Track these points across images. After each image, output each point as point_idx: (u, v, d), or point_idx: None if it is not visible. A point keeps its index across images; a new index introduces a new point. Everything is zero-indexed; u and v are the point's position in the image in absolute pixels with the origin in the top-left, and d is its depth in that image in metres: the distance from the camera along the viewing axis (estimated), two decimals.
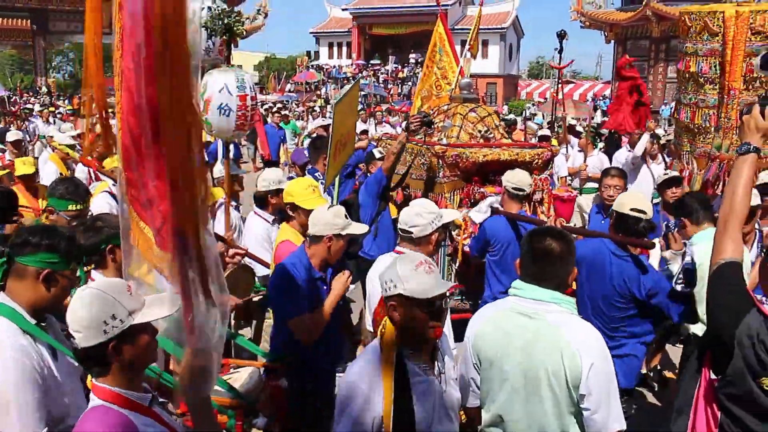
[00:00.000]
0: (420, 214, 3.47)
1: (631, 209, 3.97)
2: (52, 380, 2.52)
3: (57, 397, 2.51)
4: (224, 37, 5.02)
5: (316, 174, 5.38)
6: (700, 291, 4.09)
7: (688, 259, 4.04)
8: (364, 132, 10.98)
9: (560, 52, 11.71)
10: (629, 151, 8.94)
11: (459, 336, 3.47)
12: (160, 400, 2.24)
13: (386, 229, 5.96)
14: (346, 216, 3.72)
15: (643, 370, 5.12)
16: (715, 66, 5.57)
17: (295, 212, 4.33)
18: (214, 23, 4.91)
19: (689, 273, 3.98)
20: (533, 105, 34.48)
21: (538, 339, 2.56)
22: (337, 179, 4.40)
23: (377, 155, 7.11)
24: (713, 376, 2.41)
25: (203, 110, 4.95)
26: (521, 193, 5.09)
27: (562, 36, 11.55)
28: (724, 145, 5.51)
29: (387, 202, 6.21)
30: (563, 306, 2.61)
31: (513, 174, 5.17)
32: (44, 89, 37.59)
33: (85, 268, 3.97)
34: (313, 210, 3.85)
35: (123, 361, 2.06)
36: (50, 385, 2.49)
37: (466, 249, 5.68)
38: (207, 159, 8.70)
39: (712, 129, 5.71)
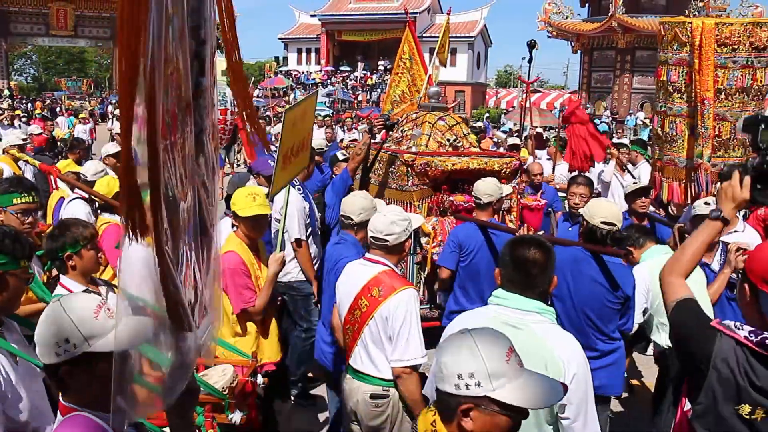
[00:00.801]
0: (395, 222, 3.44)
1: (602, 222, 3.99)
2: (10, 387, 2.45)
3: (15, 404, 2.44)
4: None
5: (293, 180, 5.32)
6: (656, 305, 4.18)
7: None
8: (354, 140, 10.99)
9: (530, 61, 11.70)
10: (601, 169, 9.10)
11: (426, 344, 3.46)
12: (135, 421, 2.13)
13: None
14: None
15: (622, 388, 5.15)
16: (683, 75, 5.65)
17: (236, 221, 4.20)
18: None
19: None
20: (504, 114, 34.81)
21: (521, 350, 2.52)
22: (285, 190, 4.29)
23: (341, 157, 7.12)
24: (687, 407, 2.40)
25: None
26: (490, 200, 5.08)
27: (532, 46, 11.57)
28: (706, 155, 5.60)
29: None
30: (545, 316, 2.61)
31: (481, 183, 5.17)
32: (6, 92, 36.82)
33: (49, 273, 3.91)
34: (251, 217, 4.04)
35: (78, 385, 1.91)
36: (7, 393, 2.42)
37: (436, 258, 5.67)
38: None
39: (679, 138, 5.78)
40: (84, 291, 3.36)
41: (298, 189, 5.33)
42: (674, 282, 2.47)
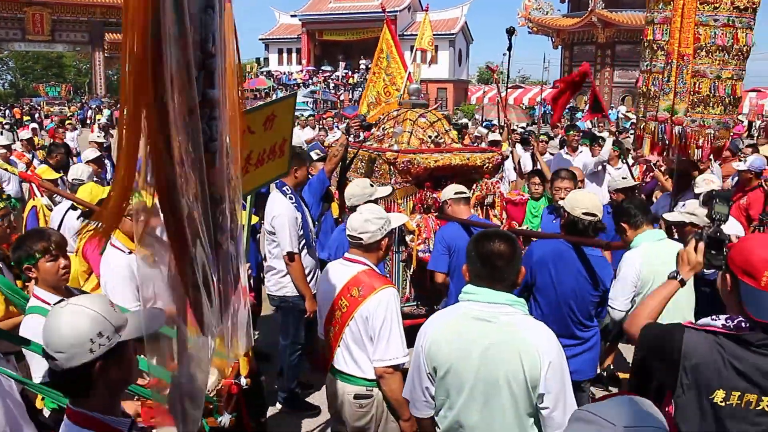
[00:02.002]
0: (369, 221, 3.41)
1: (583, 213, 4.00)
2: None
3: None
4: None
5: (284, 188, 5.14)
6: (645, 291, 4.17)
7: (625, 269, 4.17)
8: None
9: (509, 49, 11.62)
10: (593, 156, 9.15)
11: (412, 342, 3.45)
12: (140, 426, 2.13)
13: (329, 229, 5.93)
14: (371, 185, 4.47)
15: (597, 370, 5.17)
16: (666, 33, 5.73)
17: None
18: None
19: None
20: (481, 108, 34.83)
21: (496, 343, 2.54)
22: (249, 197, 4.12)
23: (315, 157, 7.09)
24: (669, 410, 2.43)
25: None
26: (465, 195, 5.08)
27: (511, 32, 11.55)
28: (681, 110, 5.67)
29: (329, 203, 6.19)
30: (516, 307, 2.62)
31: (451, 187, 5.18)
32: None
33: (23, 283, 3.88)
34: None
35: (108, 381, 1.96)
36: None
37: (421, 255, 5.66)
38: None
39: (660, 93, 5.86)
40: (59, 302, 3.31)
41: (290, 198, 5.11)
42: (638, 326, 2.63)
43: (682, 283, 2.71)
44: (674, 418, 2.36)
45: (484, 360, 2.55)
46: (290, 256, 5.03)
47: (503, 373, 2.52)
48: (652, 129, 5.93)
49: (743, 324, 2.25)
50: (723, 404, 2.22)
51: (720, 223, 2.61)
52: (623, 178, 6.17)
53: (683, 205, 4.89)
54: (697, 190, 5.85)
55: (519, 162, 9.33)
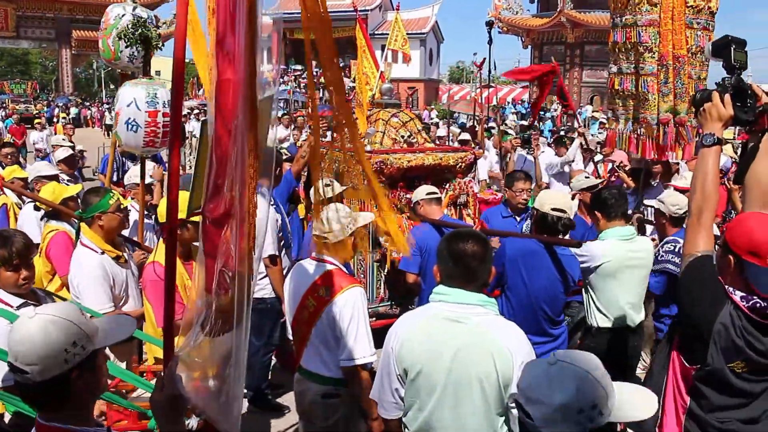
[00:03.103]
0: (334, 219, 3.39)
1: (552, 209, 4.01)
2: None
3: None
4: (140, 48, 4.81)
5: (262, 190, 5.04)
6: (606, 288, 4.22)
7: (585, 258, 4.19)
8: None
9: (489, 42, 11.49)
10: (557, 156, 9.22)
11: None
12: None
13: (297, 231, 5.88)
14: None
15: None
16: (654, 35, 5.80)
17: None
18: (129, 33, 4.70)
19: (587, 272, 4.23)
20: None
21: (468, 344, 2.53)
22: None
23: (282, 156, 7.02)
24: (687, 365, 2.49)
25: (114, 123, 4.73)
26: (437, 196, 5.08)
27: (491, 25, 11.50)
28: (683, 109, 5.79)
29: (296, 204, 6.13)
30: (488, 308, 2.61)
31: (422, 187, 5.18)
32: None
33: None
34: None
35: (81, 391, 1.88)
36: None
37: (395, 256, 5.64)
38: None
39: (651, 96, 5.95)
40: (22, 304, 3.24)
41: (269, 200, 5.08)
42: (697, 233, 2.50)
43: (720, 142, 2.55)
44: (697, 381, 2.44)
45: (456, 361, 2.53)
46: (272, 259, 4.92)
47: (475, 374, 2.51)
48: (650, 132, 6.01)
49: (758, 305, 2.30)
50: (740, 371, 2.34)
51: (740, 72, 2.49)
52: (586, 177, 6.20)
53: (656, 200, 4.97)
54: (680, 182, 5.93)
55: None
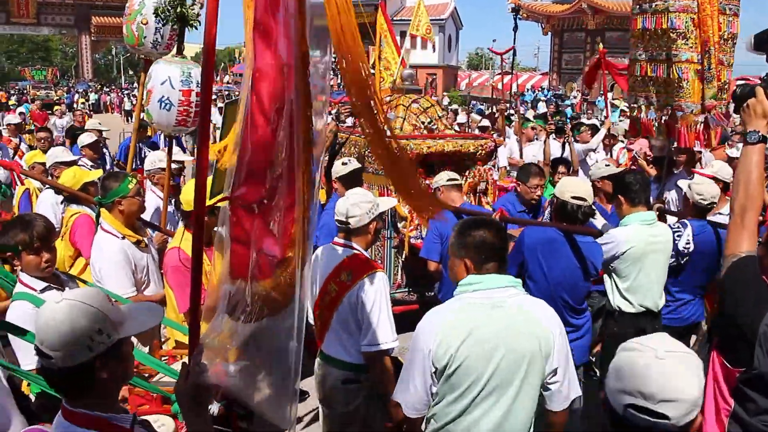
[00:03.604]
0: (357, 204, 3.38)
1: (572, 197, 3.97)
2: None
3: None
4: (175, 26, 4.80)
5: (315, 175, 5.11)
6: (631, 273, 4.20)
7: (609, 245, 4.16)
8: None
9: (515, 29, 11.35)
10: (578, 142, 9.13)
11: (404, 328, 3.45)
12: (140, 418, 2.06)
13: (318, 216, 5.89)
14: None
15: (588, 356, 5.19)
16: (687, 21, 5.73)
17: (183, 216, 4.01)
18: (166, 11, 4.68)
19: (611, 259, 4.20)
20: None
21: (511, 327, 2.53)
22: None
23: None
24: (729, 366, 2.41)
25: (145, 101, 4.73)
26: (457, 182, 5.05)
27: (517, 11, 11.38)
28: (710, 94, 5.77)
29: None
30: (518, 288, 2.63)
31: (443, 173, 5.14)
32: None
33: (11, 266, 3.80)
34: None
35: (106, 379, 1.85)
36: None
37: (413, 242, 5.63)
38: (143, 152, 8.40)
39: (686, 84, 5.89)
40: (45, 288, 3.28)
41: None
42: (741, 233, 2.42)
43: (764, 140, 2.47)
44: (742, 384, 2.34)
45: (501, 346, 2.51)
46: None
47: (521, 356, 2.52)
48: (686, 120, 5.95)
49: None
50: None
51: None
52: (606, 164, 6.12)
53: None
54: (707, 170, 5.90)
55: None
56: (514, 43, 11.52)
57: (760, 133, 2.47)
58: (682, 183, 4.93)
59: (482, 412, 2.55)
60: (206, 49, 1.76)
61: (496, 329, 2.52)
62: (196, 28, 4.93)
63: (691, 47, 5.86)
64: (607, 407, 1.77)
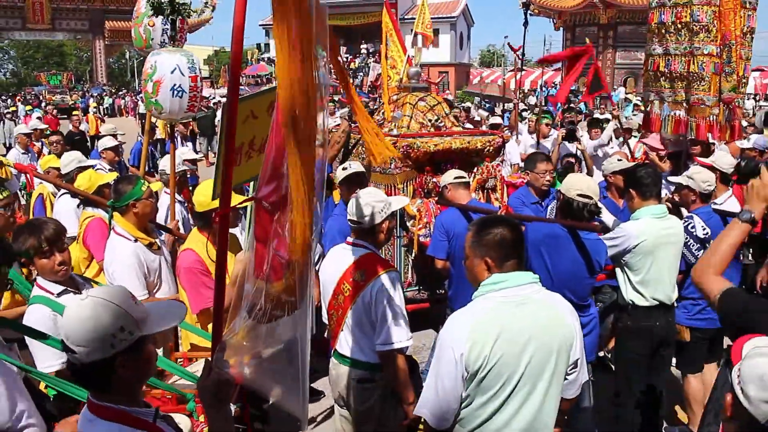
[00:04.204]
0: (369, 204, 3.40)
1: (578, 194, 3.99)
2: None
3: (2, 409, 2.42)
4: (171, 17, 4.87)
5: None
6: (643, 266, 4.20)
7: (621, 239, 4.18)
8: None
9: (525, 24, 11.29)
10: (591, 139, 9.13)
11: (415, 326, 3.44)
12: (161, 413, 2.10)
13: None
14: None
15: (600, 353, 5.19)
16: (709, 15, 5.70)
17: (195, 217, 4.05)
18: (159, 2, 4.75)
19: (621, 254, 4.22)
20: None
21: (539, 323, 2.55)
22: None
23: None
24: None
25: (152, 92, 4.78)
26: (465, 180, 5.07)
27: (527, 6, 11.32)
28: (729, 87, 5.78)
29: (331, 190, 6.18)
30: (540, 284, 2.65)
31: (450, 171, 5.15)
32: None
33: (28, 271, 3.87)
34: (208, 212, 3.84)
35: (128, 376, 1.92)
36: None
37: (422, 240, 5.66)
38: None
39: (706, 77, 5.86)
40: (62, 291, 3.33)
41: None
42: (710, 280, 2.50)
43: (753, 222, 2.51)
44: None
45: (532, 344, 2.51)
46: None
47: (550, 352, 2.54)
48: (704, 113, 5.93)
49: None
50: None
51: None
52: (618, 159, 6.12)
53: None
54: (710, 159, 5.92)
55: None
56: (524, 39, 11.47)
57: (752, 215, 2.51)
58: (672, 179, 4.99)
59: (513, 411, 2.53)
60: (233, 55, 1.85)
61: (525, 326, 2.51)
62: (189, 16, 5.02)
63: (713, 40, 5.82)
64: (742, 413, 1.74)
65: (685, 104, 6.20)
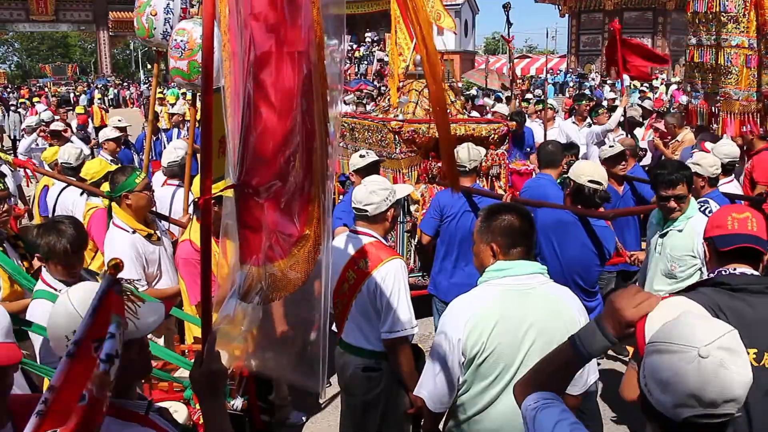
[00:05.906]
0: (374, 192, 3.36)
1: (588, 180, 3.96)
2: None
3: None
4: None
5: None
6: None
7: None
8: None
9: (508, 23, 11.54)
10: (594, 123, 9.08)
11: (418, 313, 3.45)
12: (156, 405, 2.09)
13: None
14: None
15: None
16: (740, 5, 5.59)
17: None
18: None
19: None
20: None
21: (541, 313, 2.52)
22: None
23: None
24: None
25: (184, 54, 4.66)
26: (474, 165, 5.03)
27: (507, 7, 11.52)
28: (766, 80, 5.68)
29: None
30: (545, 275, 2.61)
31: (462, 150, 5.06)
32: None
33: (29, 263, 3.84)
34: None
35: (122, 372, 1.79)
36: None
37: None
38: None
39: (734, 69, 5.76)
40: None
41: None
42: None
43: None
44: None
45: (532, 332, 2.50)
46: None
47: (551, 342, 2.45)
48: (731, 108, 5.84)
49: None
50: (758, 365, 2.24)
51: None
52: (610, 146, 6.05)
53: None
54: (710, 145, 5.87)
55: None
56: (508, 23, 11.72)
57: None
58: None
59: (512, 400, 2.46)
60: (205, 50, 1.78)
61: (525, 315, 2.49)
62: None
63: (743, 32, 5.69)
64: (654, 414, 1.49)
65: (718, 97, 6.07)
